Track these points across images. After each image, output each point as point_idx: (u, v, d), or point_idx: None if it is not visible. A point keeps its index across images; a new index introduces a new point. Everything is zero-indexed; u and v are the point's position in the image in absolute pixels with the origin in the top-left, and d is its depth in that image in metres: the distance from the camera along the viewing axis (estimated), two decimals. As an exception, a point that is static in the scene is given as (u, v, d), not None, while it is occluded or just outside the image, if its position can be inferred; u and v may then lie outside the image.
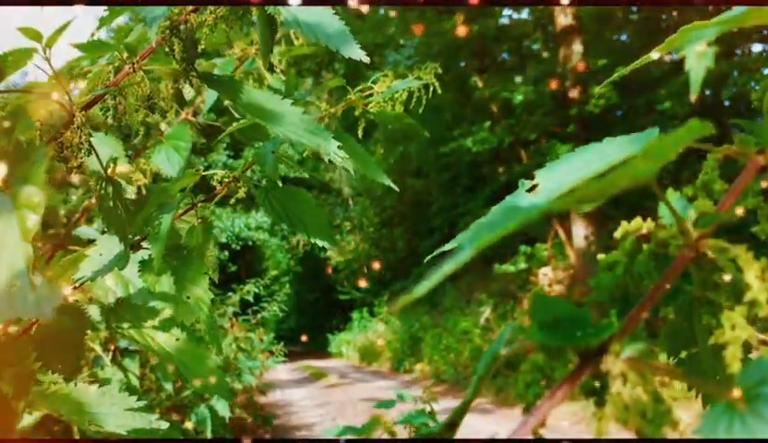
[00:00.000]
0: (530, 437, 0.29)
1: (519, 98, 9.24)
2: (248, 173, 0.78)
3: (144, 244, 0.76)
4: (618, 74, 0.43)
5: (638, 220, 0.31)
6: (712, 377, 0.31)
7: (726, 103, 8.12)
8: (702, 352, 0.30)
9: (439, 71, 0.85)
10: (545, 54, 10.78)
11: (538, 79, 9.42)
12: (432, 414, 1.06)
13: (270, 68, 0.78)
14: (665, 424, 0.27)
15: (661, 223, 0.31)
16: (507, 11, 10.69)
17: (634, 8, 9.24)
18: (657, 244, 0.31)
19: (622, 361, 0.28)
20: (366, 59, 0.58)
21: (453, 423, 0.32)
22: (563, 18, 9.18)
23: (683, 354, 0.31)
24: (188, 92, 1.07)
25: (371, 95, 0.84)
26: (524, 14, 10.88)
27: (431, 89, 0.84)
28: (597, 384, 0.29)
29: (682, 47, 0.27)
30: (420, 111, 0.82)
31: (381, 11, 10.70)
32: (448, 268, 0.22)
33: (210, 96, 0.93)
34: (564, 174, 0.29)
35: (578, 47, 9.12)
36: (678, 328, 0.31)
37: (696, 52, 0.26)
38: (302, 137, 0.62)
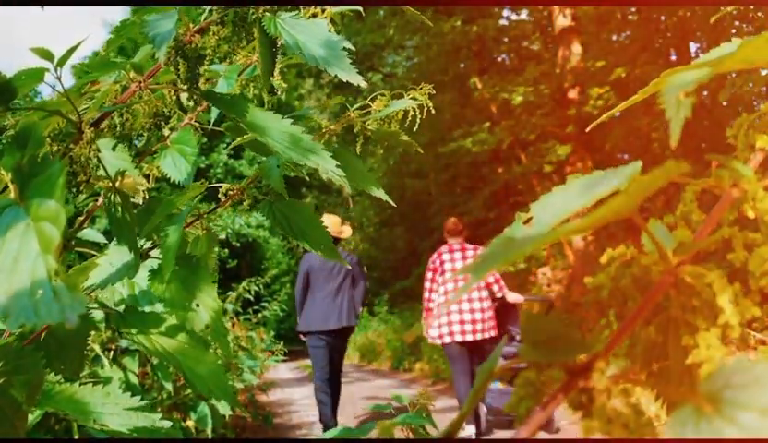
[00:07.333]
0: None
1: (518, 99, 9.26)
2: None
3: (153, 253, 0.79)
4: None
5: (622, 247, 0.34)
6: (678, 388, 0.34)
7: (724, 104, 8.14)
8: (673, 366, 0.33)
9: (433, 92, 0.89)
10: (544, 55, 10.80)
11: (537, 80, 9.45)
12: (429, 417, 1.08)
13: (271, 91, 0.81)
14: (645, 434, 0.30)
15: (643, 250, 0.34)
16: (506, 12, 10.70)
17: (633, 9, 9.25)
18: (640, 269, 0.34)
19: (606, 377, 0.31)
20: (364, 84, 0.61)
21: (450, 433, 0.35)
22: (562, 19, 9.20)
23: (654, 367, 0.34)
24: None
25: (369, 112, 0.88)
26: (523, 15, 10.90)
27: (425, 109, 0.88)
28: (584, 398, 0.32)
29: (662, 93, 0.30)
30: (414, 129, 0.86)
31: (381, 12, 10.71)
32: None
33: (214, 110, 0.96)
34: (556, 207, 0.32)
35: (577, 48, 9.15)
36: (653, 344, 0.33)
37: (675, 101, 0.29)
38: (302, 155, 0.65)
